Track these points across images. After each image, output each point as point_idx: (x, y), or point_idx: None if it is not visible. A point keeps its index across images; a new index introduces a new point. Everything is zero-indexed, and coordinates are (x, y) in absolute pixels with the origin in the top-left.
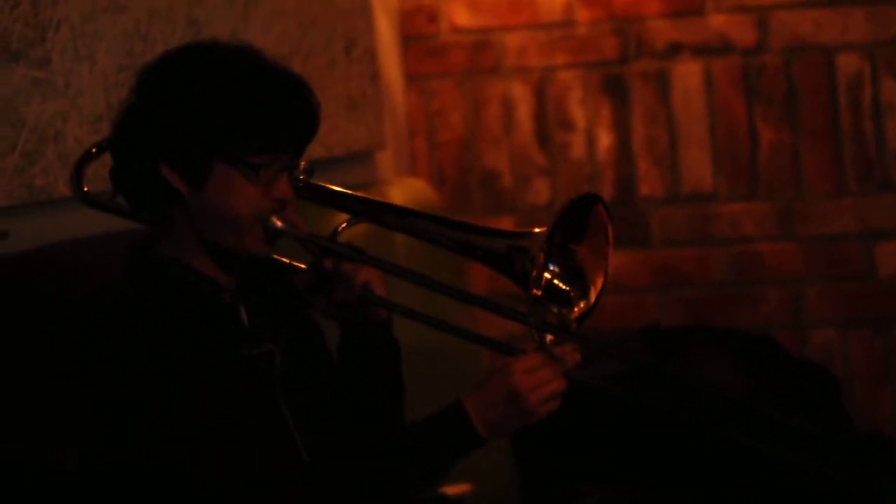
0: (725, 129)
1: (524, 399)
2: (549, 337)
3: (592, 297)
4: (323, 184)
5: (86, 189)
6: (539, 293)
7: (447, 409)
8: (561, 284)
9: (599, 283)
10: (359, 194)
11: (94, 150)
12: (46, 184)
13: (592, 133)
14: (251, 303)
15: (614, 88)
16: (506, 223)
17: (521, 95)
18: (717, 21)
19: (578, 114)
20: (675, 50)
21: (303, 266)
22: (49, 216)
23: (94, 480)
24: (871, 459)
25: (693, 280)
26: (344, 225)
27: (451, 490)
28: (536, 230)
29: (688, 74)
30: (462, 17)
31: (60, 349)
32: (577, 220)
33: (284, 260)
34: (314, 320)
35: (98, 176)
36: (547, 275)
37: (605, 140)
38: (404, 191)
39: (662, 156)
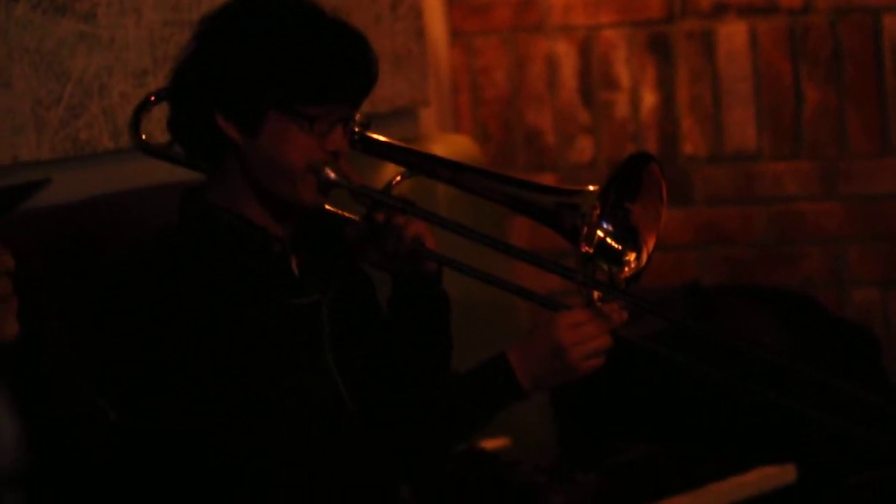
0: (770, 89)
1: (568, 353)
2: (596, 294)
3: (644, 257)
4: (379, 137)
5: (143, 137)
6: (590, 250)
7: (491, 360)
8: (613, 243)
9: (651, 243)
10: (414, 148)
11: (152, 97)
12: (90, 137)
13: (636, 92)
14: (302, 253)
15: (659, 48)
16: (548, 181)
17: (566, 54)
18: None
19: (623, 72)
20: (720, 10)
21: (355, 218)
22: (92, 169)
23: (137, 429)
24: None
25: (734, 238)
26: (398, 178)
27: (489, 444)
28: (590, 188)
29: (733, 34)
30: None
31: (109, 295)
32: (632, 179)
33: (337, 211)
34: (365, 273)
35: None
36: (600, 233)
37: (649, 99)
38: (448, 147)
39: (706, 115)
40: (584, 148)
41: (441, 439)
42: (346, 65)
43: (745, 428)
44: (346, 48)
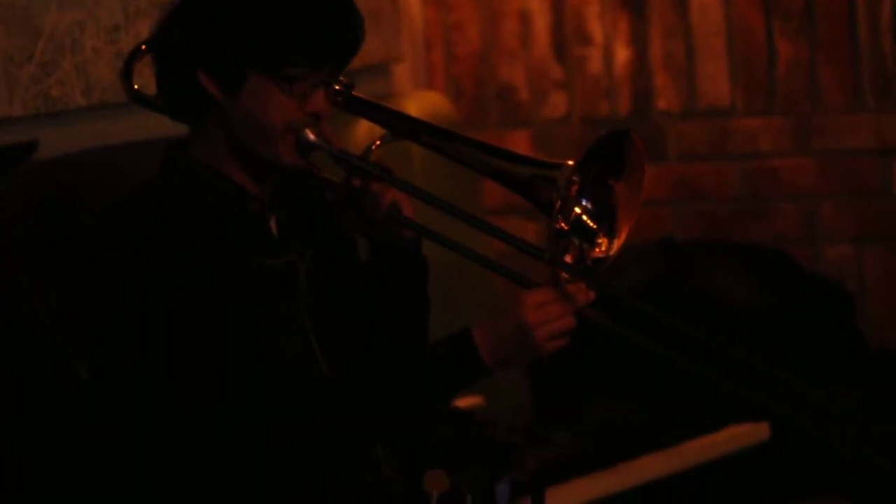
0: (742, 44)
1: (532, 333)
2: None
3: (615, 245)
4: (363, 97)
5: (136, 87)
6: (566, 227)
7: (456, 336)
8: (590, 221)
9: (624, 233)
10: (397, 111)
11: (143, 46)
12: (63, 94)
13: (609, 47)
14: (281, 214)
15: (632, 3)
16: (522, 137)
17: (539, 9)
18: None
19: (596, 28)
20: None
21: (335, 181)
22: (65, 126)
23: (109, 385)
24: (882, 378)
25: (708, 194)
26: (378, 143)
27: (463, 403)
28: (569, 162)
29: None
30: None
31: (87, 250)
32: (616, 156)
33: (317, 173)
34: (349, 237)
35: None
36: (577, 209)
37: (622, 54)
38: (420, 103)
39: (679, 70)
40: (557, 104)
41: (406, 407)
42: (330, 27)
43: (718, 386)
44: (331, 9)
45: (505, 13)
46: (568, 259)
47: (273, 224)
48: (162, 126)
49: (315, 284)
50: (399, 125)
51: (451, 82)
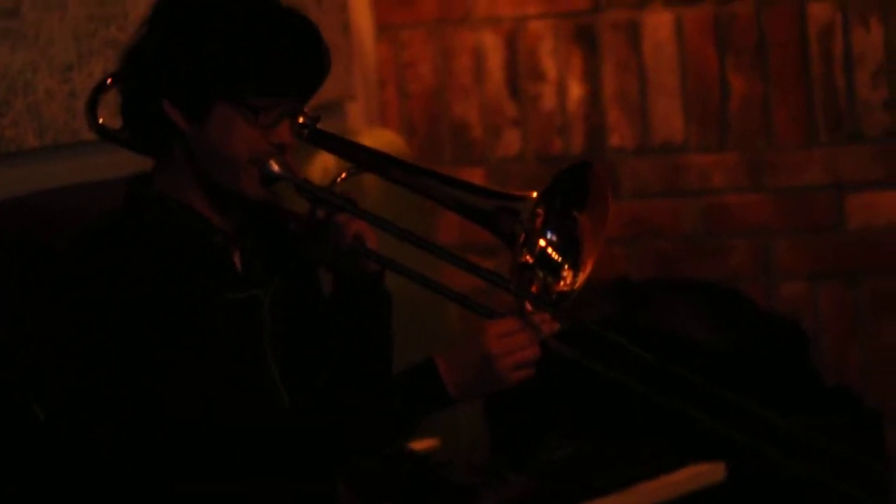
0: (696, 80)
1: (496, 363)
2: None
3: (580, 279)
4: (328, 131)
5: (101, 121)
6: (530, 259)
7: (418, 366)
8: (555, 254)
9: (589, 266)
10: (362, 145)
11: (108, 80)
12: (16, 135)
13: (563, 84)
14: (245, 247)
15: (585, 39)
16: (476, 174)
17: (492, 46)
18: None
19: (549, 64)
20: (646, 0)
21: (299, 213)
22: (18, 167)
23: (66, 422)
24: (837, 414)
25: (663, 232)
26: (343, 175)
27: (419, 445)
28: (533, 194)
29: (659, 24)
30: None
31: (47, 285)
32: (580, 189)
33: (282, 205)
34: (313, 269)
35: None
36: (542, 242)
37: (575, 91)
38: (374, 141)
39: (633, 106)
40: (511, 141)
41: (366, 443)
42: (295, 57)
43: (675, 426)
44: (296, 40)
45: (458, 50)
46: (532, 290)
47: (237, 257)
48: (116, 166)
49: (279, 318)
50: (364, 159)
51: (405, 120)
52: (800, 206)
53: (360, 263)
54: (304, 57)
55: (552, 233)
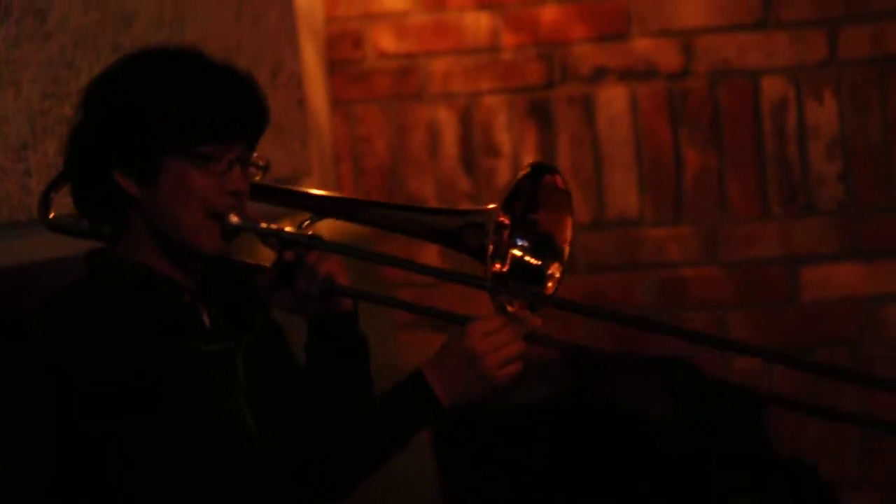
0: (651, 154)
1: (482, 361)
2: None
3: (566, 258)
4: (276, 185)
5: (52, 215)
6: (504, 268)
7: (406, 380)
8: (532, 259)
9: (569, 233)
10: (317, 192)
11: (58, 178)
12: None
13: (518, 158)
14: (213, 302)
15: (540, 113)
16: (431, 249)
17: (447, 121)
18: (642, 45)
19: (504, 139)
20: (600, 74)
21: (265, 265)
22: None
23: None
24: (794, 486)
25: (618, 305)
26: (306, 223)
27: None
28: (491, 206)
29: (613, 99)
30: (387, 42)
31: (15, 355)
32: (533, 193)
33: (245, 259)
34: (276, 322)
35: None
36: (516, 251)
37: None
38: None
39: (588, 181)
40: None
41: (363, 460)
42: (233, 101)
43: (630, 489)
44: (233, 84)
45: (413, 125)
46: (518, 306)
47: (205, 313)
48: (71, 245)
49: (253, 369)
50: (323, 205)
51: (360, 195)
52: (755, 279)
53: (334, 304)
54: (243, 100)
55: (522, 240)
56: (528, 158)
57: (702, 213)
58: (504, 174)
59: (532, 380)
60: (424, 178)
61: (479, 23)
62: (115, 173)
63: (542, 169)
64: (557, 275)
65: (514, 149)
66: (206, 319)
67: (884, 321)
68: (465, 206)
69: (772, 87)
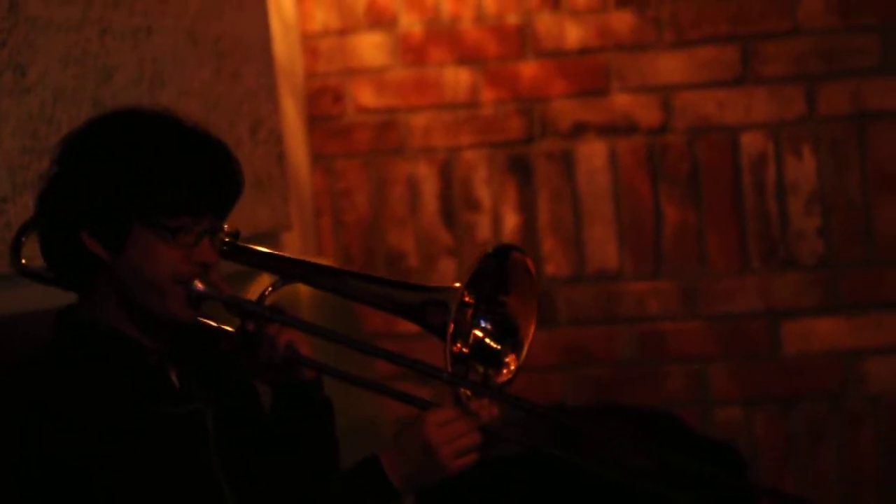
0: (630, 209)
1: (438, 452)
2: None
3: (523, 353)
4: (248, 245)
5: (23, 262)
6: (466, 350)
7: (363, 462)
8: (492, 343)
9: (529, 336)
10: (284, 255)
11: (29, 223)
12: None
13: (498, 213)
14: (180, 364)
15: (520, 168)
16: None
17: (427, 175)
18: (622, 101)
19: (484, 194)
20: (579, 130)
21: (230, 329)
22: None
23: None
24: None
25: (599, 358)
26: (270, 288)
27: None
28: (456, 284)
29: (593, 154)
30: (367, 97)
31: None
32: (500, 272)
33: (211, 323)
34: (249, 381)
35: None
36: (478, 332)
37: (510, 220)
38: None
39: (568, 235)
40: (446, 270)
41: None
42: (205, 175)
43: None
44: (206, 158)
45: (393, 180)
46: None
47: (174, 375)
48: (51, 298)
49: (223, 430)
50: (288, 269)
51: (341, 249)
52: (735, 333)
53: (296, 372)
54: (215, 174)
55: (485, 321)
56: (508, 213)
57: (681, 268)
58: (484, 229)
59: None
60: (405, 232)
61: (458, 78)
62: (82, 235)
63: (507, 249)
64: (513, 367)
65: (494, 203)
66: (175, 380)
67: (864, 375)
68: (445, 260)
69: (751, 143)
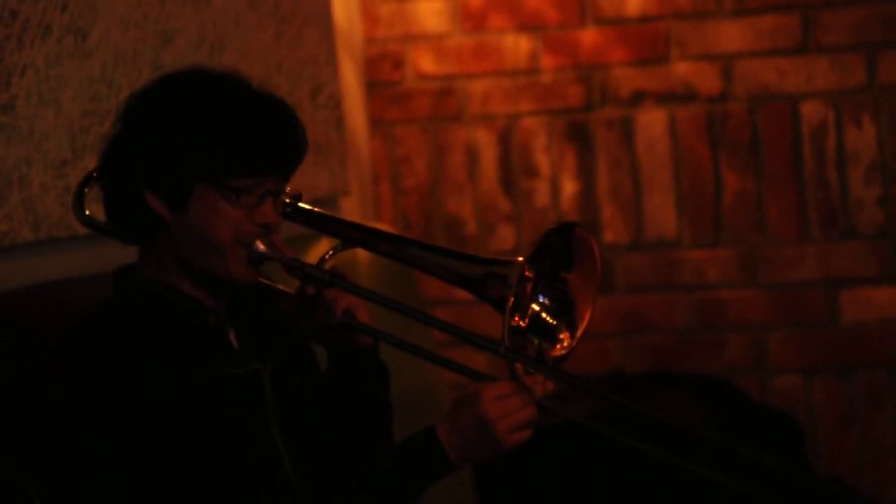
0: (689, 177)
1: (494, 426)
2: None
3: (578, 333)
4: (312, 208)
5: (87, 212)
6: (523, 324)
7: (419, 434)
8: (548, 318)
9: (587, 315)
10: (347, 220)
11: (94, 174)
12: (10, 228)
13: (557, 180)
14: (240, 325)
15: (579, 136)
16: None
17: (486, 142)
18: (682, 69)
19: (543, 161)
20: (639, 97)
21: (288, 291)
22: (13, 261)
23: None
24: None
25: (657, 326)
26: (331, 252)
27: None
28: (519, 259)
29: (652, 122)
30: (427, 63)
31: (44, 373)
32: (564, 250)
33: (271, 284)
34: (307, 344)
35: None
36: (535, 306)
37: (569, 187)
38: None
39: (627, 203)
40: (505, 236)
41: None
42: (271, 137)
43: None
44: (271, 119)
45: (452, 146)
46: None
47: (232, 336)
48: (110, 260)
49: (281, 391)
50: (350, 234)
51: (399, 215)
52: (793, 302)
53: (353, 338)
54: (279, 136)
55: (544, 297)
56: (567, 180)
57: (741, 236)
58: (543, 195)
59: (572, 398)
60: (463, 198)
61: (518, 45)
62: (145, 193)
63: (571, 226)
64: (566, 343)
65: (552, 170)
66: (234, 341)
67: None
68: (503, 227)
69: (811, 112)
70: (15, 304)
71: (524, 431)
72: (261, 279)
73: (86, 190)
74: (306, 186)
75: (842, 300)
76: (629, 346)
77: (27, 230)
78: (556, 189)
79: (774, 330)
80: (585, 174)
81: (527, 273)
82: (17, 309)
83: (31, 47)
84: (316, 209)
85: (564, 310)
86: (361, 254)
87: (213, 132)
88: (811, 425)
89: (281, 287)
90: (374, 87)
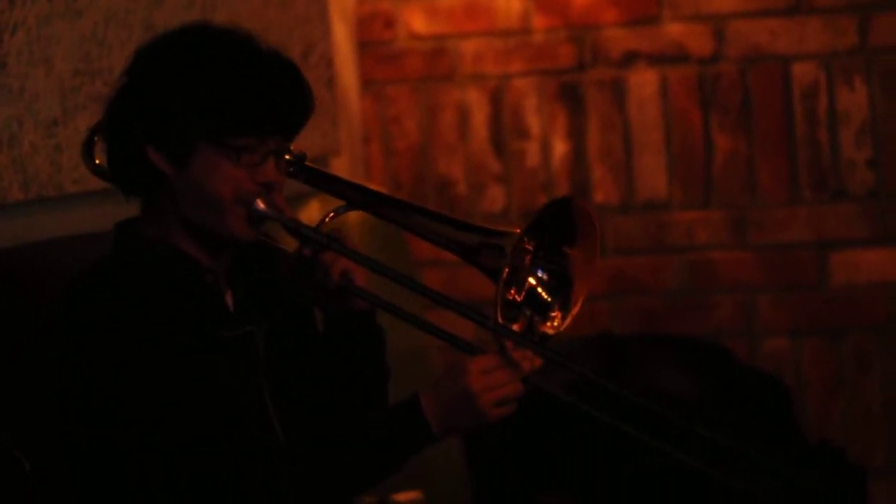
0: (680, 138)
1: (477, 399)
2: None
3: (569, 318)
4: (317, 167)
5: (97, 162)
6: (518, 298)
7: (403, 404)
8: (544, 293)
9: (580, 301)
10: (351, 181)
11: (101, 125)
12: (0, 188)
13: (548, 141)
14: (237, 286)
15: (570, 96)
16: None
17: (477, 102)
18: (674, 30)
19: (534, 121)
20: (631, 58)
21: (287, 251)
22: (2, 221)
23: (58, 472)
24: (821, 469)
25: (646, 288)
26: (332, 214)
27: (402, 497)
28: (517, 230)
29: (644, 83)
30: (418, 23)
31: (37, 333)
32: (565, 223)
33: (273, 243)
34: (307, 305)
35: None
36: (532, 280)
37: (560, 148)
38: None
39: (617, 164)
40: (495, 197)
41: (353, 482)
42: (274, 96)
43: (657, 482)
44: (274, 79)
45: (443, 106)
46: (516, 328)
47: (229, 296)
48: (101, 219)
49: (273, 354)
50: (352, 195)
51: (390, 175)
52: (783, 263)
53: (349, 301)
54: (284, 95)
55: (542, 271)
56: (558, 141)
57: (731, 197)
58: (534, 156)
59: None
60: (454, 159)
61: (510, 5)
62: (147, 148)
63: (571, 201)
64: (556, 324)
65: (543, 131)
66: (230, 301)
67: None
68: (494, 187)
69: (803, 73)
70: (4, 263)
71: (508, 406)
72: (263, 238)
73: (94, 139)
74: (296, 146)
75: (832, 262)
76: (618, 308)
77: (17, 189)
78: (546, 150)
79: (764, 292)
80: (576, 135)
81: (526, 245)
82: (6, 269)
83: (22, 6)
84: (322, 169)
85: (560, 287)
86: (352, 213)
87: (215, 91)
88: (800, 388)
89: (281, 247)
90: (366, 46)
